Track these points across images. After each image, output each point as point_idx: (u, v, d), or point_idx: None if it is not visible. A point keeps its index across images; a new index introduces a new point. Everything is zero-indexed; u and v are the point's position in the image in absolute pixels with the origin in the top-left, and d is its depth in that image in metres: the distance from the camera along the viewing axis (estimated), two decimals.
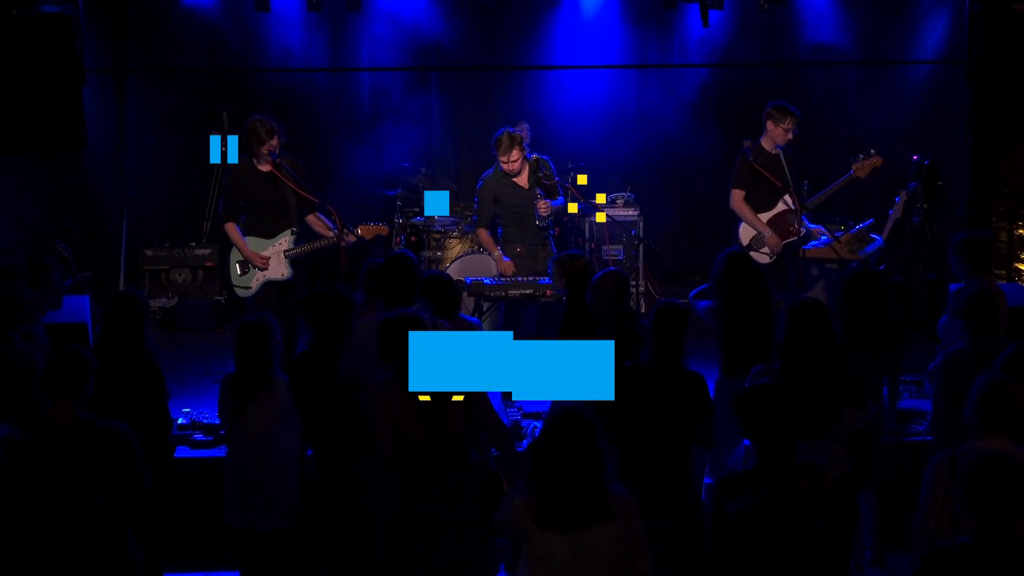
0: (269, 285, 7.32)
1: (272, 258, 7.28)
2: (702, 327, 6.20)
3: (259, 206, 7.31)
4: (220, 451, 6.41)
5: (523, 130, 9.92)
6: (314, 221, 7.37)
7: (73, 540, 4.41)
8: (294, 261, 7.33)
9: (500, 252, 7.90)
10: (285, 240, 7.32)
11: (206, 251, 10.08)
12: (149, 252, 10.04)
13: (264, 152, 7.18)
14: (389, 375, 4.80)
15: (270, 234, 7.32)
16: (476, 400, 4.85)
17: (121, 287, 9.85)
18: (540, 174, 7.82)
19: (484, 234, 8.02)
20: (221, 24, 10.08)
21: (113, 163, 10.30)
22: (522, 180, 7.86)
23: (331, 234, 7.21)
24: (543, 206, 7.72)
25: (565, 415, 3.99)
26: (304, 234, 7.40)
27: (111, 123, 10.21)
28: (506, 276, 7.77)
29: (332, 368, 5.06)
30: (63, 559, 4.42)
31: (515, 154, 7.69)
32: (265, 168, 7.25)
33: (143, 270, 10.03)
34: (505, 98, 10.80)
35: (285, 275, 7.31)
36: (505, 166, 7.76)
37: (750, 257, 6.49)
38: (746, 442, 5.96)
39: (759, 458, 4.26)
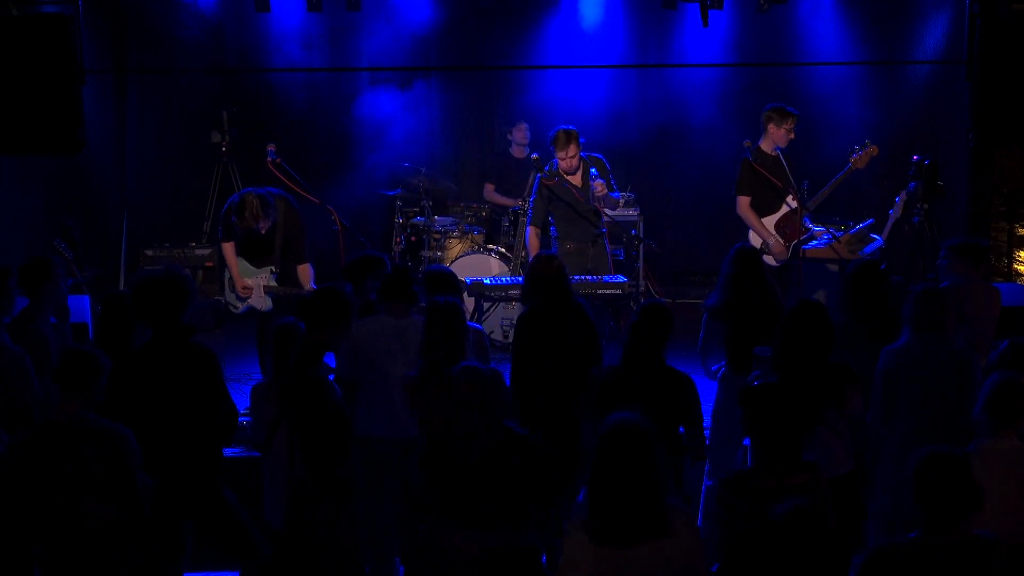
0: (255, 311, 7.48)
1: (254, 289, 7.43)
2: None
3: (247, 239, 7.36)
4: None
5: (521, 130, 9.96)
6: (301, 272, 7.42)
7: (66, 537, 4.43)
8: (276, 299, 7.43)
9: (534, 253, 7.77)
10: (265, 276, 7.44)
11: (206, 251, 10.06)
12: (149, 252, 10.03)
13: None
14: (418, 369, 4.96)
15: (256, 264, 7.45)
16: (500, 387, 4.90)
17: (121, 287, 9.84)
18: (604, 168, 7.80)
19: (532, 234, 7.93)
20: (221, 24, 10.08)
21: (113, 163, 10.31)
22: (576, 179, 7.79)
23: (308, 290, 7.26)
24: (599, 186, 7.62)
25: (619, 426, 3.85)
26: (285, 276, 7.43)
27: (111, 123, 10.22)
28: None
29: (318, 373, 5.02)
30: (60, 554, 4.45)
31: (572, 150, 7.63)
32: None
33: (143, 270, 10.02)
34: (504, 98, 10.81)
35: (265, 307, 7.44)
36: (562, 163, 7.69)
37: (759, 252, 6.49)
38: (746, 441, 5.98)
39: (763, 455, 4.25)
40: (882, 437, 5.44)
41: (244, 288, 7.39)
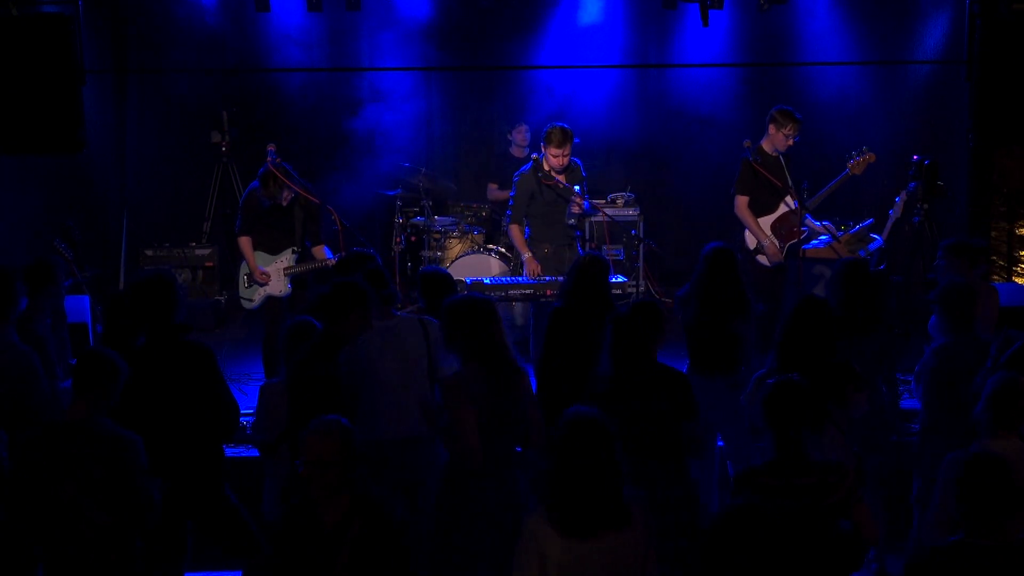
0: (271, 300, 7.49)
1: (272, 275, 7.44)
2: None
3: (268, 225, 7.45)
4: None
5: (521, 132, 9.96)
6: (317, 252, 7.51)
7: (66, 538, 4.45)
8: (295, 281, 7.45)
9: (531, 254, 7.76)
10: (286, 258, 7.47)
11: (206, 251, 10.07)
12: (149, 252, 10.04)
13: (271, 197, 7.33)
14: (458, 366, 4.91)
15: (274, 250, 7.49)
16: (525, 384, 4.95)
17: (121, 287, 9.85)
18: (580, 176, 7.79)
19: (517, 231, 7.84)
20: (221, 24, 10.08)
21: (113, 163, 10.31)
22: (561, 179, 7.73)
23: (327, 262, 7.35)
24: (578, 203, 7.64)
25: (579, 420, 3.94)
26: (305, 256, 7.52)
27: (111, 123, 10.22)
28: (533, 277, 7.67)
29: (334, 365, 5.01)
30: (60, 555, 4.47)
31: (567, 149, 7.58)
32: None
33: (143, 270, 10.03)
34: (504, 98, 10.81)
35: (283, 291, 7.47)
36: (555, 159, 7.60)
37: (733, 253, 6.47)
38: (719, 443, 6.02)
39: (777, 453, 4.26)
40: (931, 438, 5.49)
41: (262, 274, 7.42)
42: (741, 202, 7.71)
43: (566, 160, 7.66)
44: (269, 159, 7.44)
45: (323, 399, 4.86)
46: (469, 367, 4.87)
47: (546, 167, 7.70)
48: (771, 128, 7.67)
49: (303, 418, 4.88)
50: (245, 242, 7.47)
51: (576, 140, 7.71)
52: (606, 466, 3.86)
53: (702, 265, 6.15)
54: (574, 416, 3.96)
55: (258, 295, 7.50)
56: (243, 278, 7.57)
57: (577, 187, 7.72)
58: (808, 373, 4.91)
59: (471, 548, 4.82)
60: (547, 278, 7.58)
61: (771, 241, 7.66)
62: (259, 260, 7.47)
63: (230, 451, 6.44)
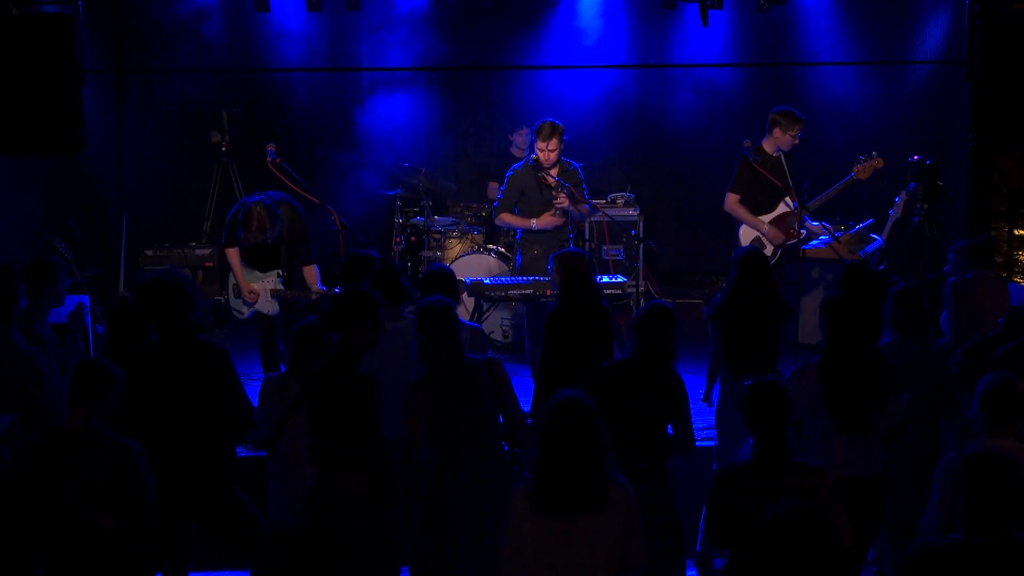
0: (260, 315, 7.42)
1: (260, 294, 7.36)
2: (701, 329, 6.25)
3: (253, 248, 7.29)
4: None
5: (522, 135, 9.96)
6: (307, 273, 7.37)
7: (68, 544, 4.45)
8: (283, 302, 7.38)
9: (538, 217, 7.73)
10: (272, 280, 7.36)
11: (206, 251, 10.06)
12: (149, 252, 10.03)
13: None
14: (422, 373, 4.95)
15: (262, 267, 7.37)
16: (502, 384, 4.98)
17: (121, 287, 9.85)
18: (578, 179, 7.77)
19: (507, 215, 7.85)
20: (221, 24, 10.08)
21: (113, 163, 10.31)
22: (552, 174, 7.73)
23: (315, 292, 7.25)
24: (563, 199, 7.62)
25: (566, 401, 3.99)
26: (291, 279, 7.39)
27: (111, 123, 10.22)
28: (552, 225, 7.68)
29: (354, 375, 4.91)
30: (62, 560, 4.47)
31: (554, 143, 7.56)
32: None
33: (143, 270, 10.01)
34: (505, 98, 10.81)
35: (271, 311, 7.38)
36: (542, 153, 7.59)
37: (764, 255, 6.50)
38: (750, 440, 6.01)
39: (758, 453, 4.29)
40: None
41: (250, 293, 7.33)
42: (732, 199, 7.72)
43: (552, 155, 7.61)
44: (269, 159, 7.43)
45: (342, 411, 4.83)
46: (423, 375, 4.95)
47: (538, 160, 7.71)
48: (776, 131, 7.66)
49: (324, 429, 4.86)
50: (232, 254, 7.34)
51: (566, 137, 7.68)
52: (586, 448, 3.89)
53: (736, 269, 6.19)
54: (562, 398, 4.02)
55: (247, 308, 7.43)
56: (232, 288, 7.49)
57: (565, 183, 7.65)
58: (856, 372, 4.97)
59: (457, 548, 4.84)
60: (545, 278, 7.57)
61: (770, 226, 7.65)
62: (246, 275, 7.36)
63: None
